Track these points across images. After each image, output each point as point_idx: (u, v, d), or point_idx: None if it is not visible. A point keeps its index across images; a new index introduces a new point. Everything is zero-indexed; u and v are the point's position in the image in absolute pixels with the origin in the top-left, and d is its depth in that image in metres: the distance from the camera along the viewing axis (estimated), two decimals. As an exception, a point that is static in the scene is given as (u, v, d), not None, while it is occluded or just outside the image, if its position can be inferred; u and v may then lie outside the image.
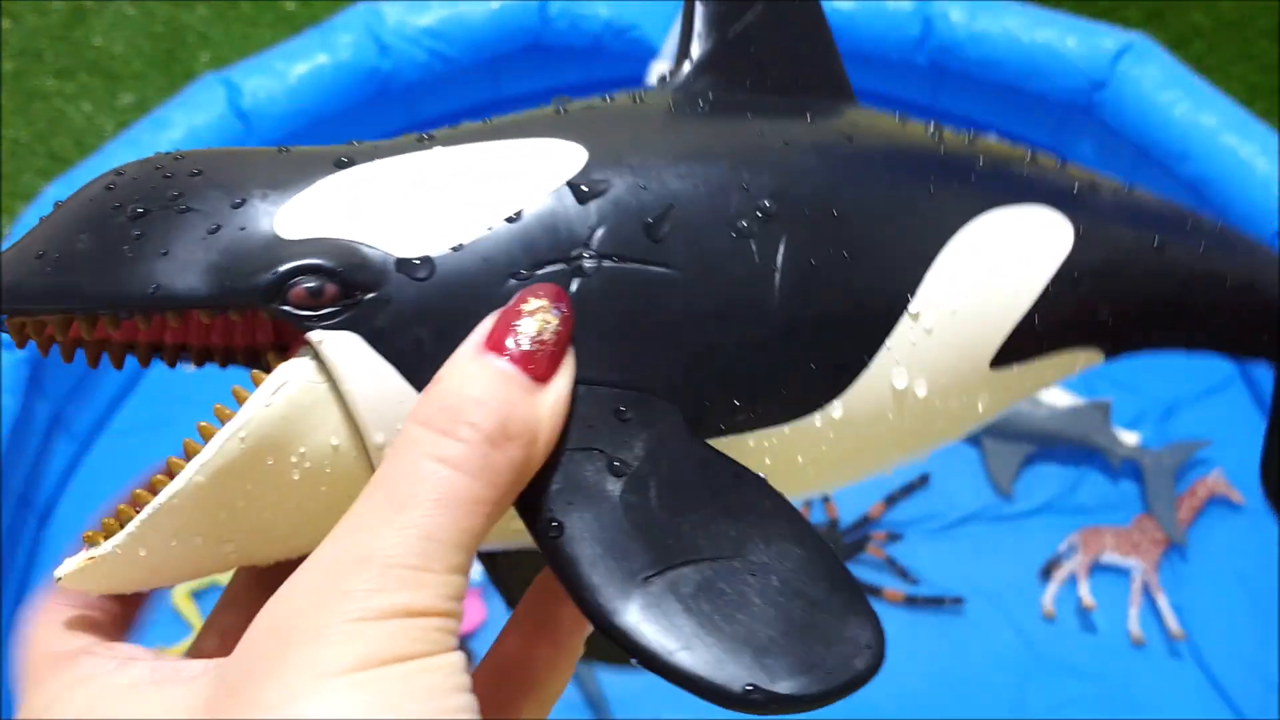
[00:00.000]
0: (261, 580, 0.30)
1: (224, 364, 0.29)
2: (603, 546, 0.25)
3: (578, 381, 0.27)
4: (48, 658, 0.27)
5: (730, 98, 0.32)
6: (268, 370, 0.26)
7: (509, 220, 0.27)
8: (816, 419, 0.30)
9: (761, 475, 0.28)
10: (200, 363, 0.28)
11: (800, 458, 0.30)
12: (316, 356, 0.26)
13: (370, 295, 0.26)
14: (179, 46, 1.63)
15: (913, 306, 0.30)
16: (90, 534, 0.27)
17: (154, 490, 0.26)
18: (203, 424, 0.26)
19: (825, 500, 1.21)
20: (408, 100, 1.36)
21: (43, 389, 1.16)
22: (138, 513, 0.26)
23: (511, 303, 0.26)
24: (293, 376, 0.26)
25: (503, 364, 0.26)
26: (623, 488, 0.26)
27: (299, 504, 0.27)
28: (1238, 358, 0.39)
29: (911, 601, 1.16)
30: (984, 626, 1.16)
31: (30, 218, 1.18)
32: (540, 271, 0.27)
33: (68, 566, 0.27)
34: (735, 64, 0.33)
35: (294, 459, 0.26)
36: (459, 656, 0.24)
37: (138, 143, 1.23)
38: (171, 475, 0.26)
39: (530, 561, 0.30)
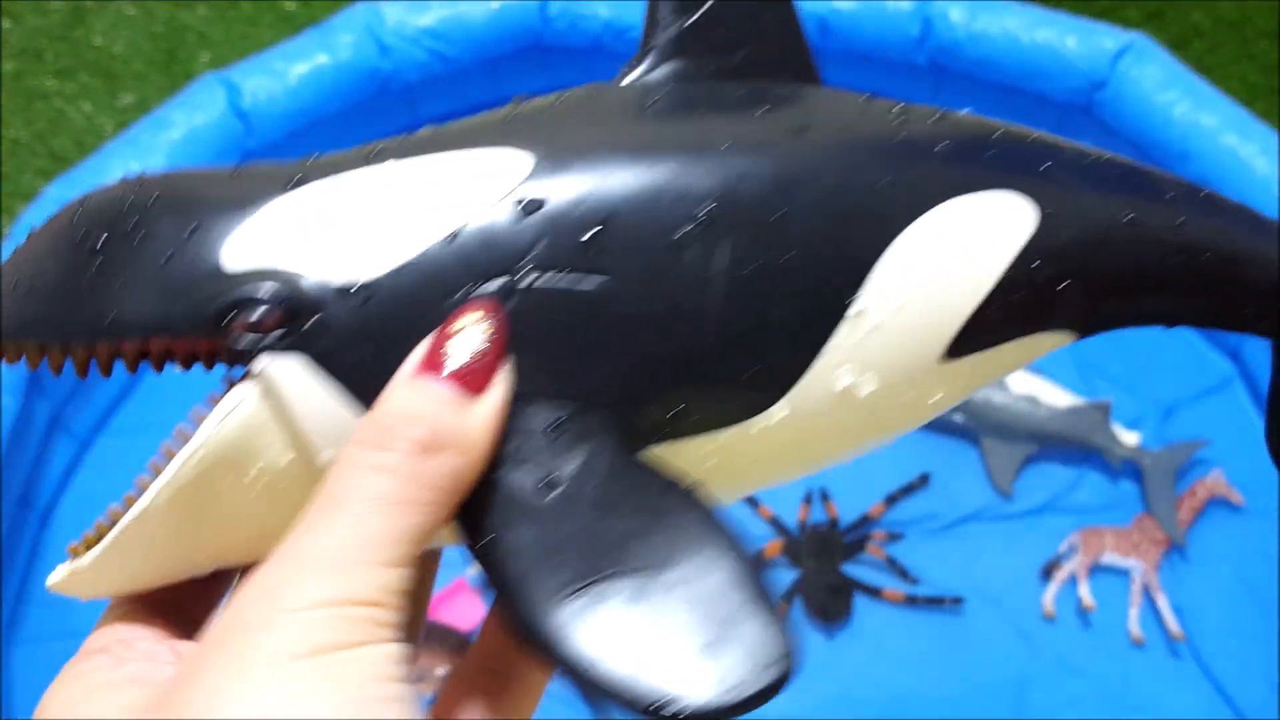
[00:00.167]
0: None
1: (209, 366, 0.29)
2: (531, 560, 0.26)
3: (517, 395, 0.28)
4: (76, 657, 0.28)
5: (684, 91, 0.32)
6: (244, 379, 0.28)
7: (449, 238, 0.28)
8: (761, 422, 0.30)
9: (693, 487, 0.28)
10: (187, 366, 0.29)
11: (746, 458, 0.31)
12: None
13: (315, 318, 0.27)
14: (179, 46, 1.63)
15: (857, 305, 0.30)
16: (74, 546, 0.29)
17: (128, 507, 0.28)
18: (166, 444, 0.28)
19: (825, 499, 1.21)
20: (408, 100, 1.36)
21: (43, 389, 1.16)
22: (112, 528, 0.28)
23: (444, 323, 0.27)
24: (243, 400, 0.28)
25: (435, 382, 0.27)
26: (553, 501, 0.27)
27: (260, 515, 0.28)
28: (1224, 331, 0.38)
29: (911, 601, 1.16)
30: (984, 626, 1.16)
31: (30, 218, 1.18)
32: (480, 288, 0.28)
33: (56, 575, 0.29)
34: (696, 50, 0.33)
35: (250, 476, 0.28)
36: (395, 648, 0.25)
37: (138, 143, 1.23)
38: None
39: None
